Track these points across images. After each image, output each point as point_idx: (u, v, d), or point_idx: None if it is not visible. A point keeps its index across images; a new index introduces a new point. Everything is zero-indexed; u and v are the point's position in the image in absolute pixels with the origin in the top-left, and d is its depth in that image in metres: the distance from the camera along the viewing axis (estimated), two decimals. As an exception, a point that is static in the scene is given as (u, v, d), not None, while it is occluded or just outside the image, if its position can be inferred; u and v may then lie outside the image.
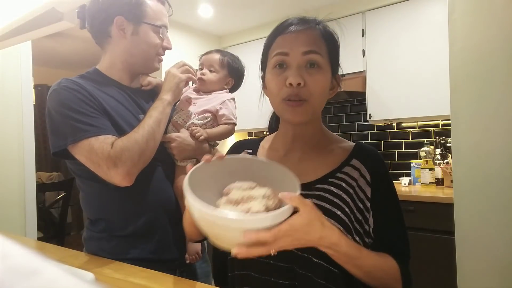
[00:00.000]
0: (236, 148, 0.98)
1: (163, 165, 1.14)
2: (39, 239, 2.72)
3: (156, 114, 1.06)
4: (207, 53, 1.31)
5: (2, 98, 2.23)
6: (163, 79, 1.19)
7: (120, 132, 1.04)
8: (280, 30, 0.80)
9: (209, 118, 1.21)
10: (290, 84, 0.75)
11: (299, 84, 0.74)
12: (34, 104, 2.41)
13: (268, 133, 1.03)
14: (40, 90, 4.66)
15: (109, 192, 1.06)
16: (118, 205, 1.08)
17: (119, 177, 0.97)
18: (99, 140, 0.97)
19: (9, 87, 2.26)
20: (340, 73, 0.88)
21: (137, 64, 1.15)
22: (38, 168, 3.27)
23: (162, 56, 1.19)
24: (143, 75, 1.22)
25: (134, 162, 0.98)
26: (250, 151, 0.95)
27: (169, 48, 1.19)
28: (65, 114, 0.99)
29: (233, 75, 1.31)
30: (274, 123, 1.01)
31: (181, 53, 1.30)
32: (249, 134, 3.85)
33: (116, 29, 1.09)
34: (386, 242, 0.77)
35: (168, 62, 1.26)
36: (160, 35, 1.13)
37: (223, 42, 3.70)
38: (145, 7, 1.10)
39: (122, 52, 1.13)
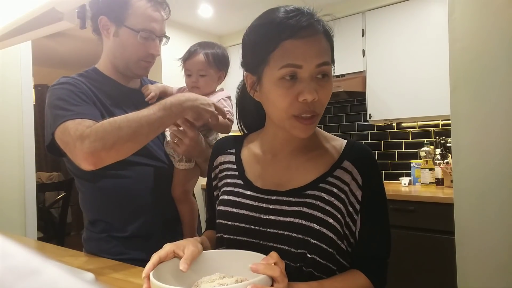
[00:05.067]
0: (219, 148, 0.93)
1: (161, 167, 1.14)
2: (39, 239, 2.72)
3: (165, 115, 0.94)
4: (189, 56, 1.20)
5: (2, 98, 2.23)
6: (163, 83, 1.16)
7: None
8: (287, 32, 0.69)
9: None
10: (304, 100, 0.70)
11: (314, 99, 0.70)
12: (34, 104, 2.41)
13: (242, 132, 0.97)
14: (40, 90, 4.66)
15: (108, 193, 1.06)
16: (116, 207, 1.09)
17: (81, 155, 0.88)
18: (76, 122, 0.92)
19: (9, 87, 2.26)
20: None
21: (120, 66, 1.12)
22: (38, 168, 3.27)
23: (148, 62, 1.13)
24: (146, 85, 1.20)
25: (105, 145, 0.87)
26: (233, 150, 0.90)
27: (156, 55, 1.12)
28: (54, 105, 0.99)
29: (221, 66, 1.22)
30: (254, 123, 0.93)
31: (181, 53, 1.28)
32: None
33: (101, 28, 1.09)
34: (366, 246, 0.77)
35: (168, 62, 1.24)
36: (139, 40, 1.07)
37: (223, 42, 3.70)
38: (129, 10, 1.05)
39: (109, 52, 1.13)
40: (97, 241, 1.11)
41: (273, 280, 0.61)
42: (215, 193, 0.92)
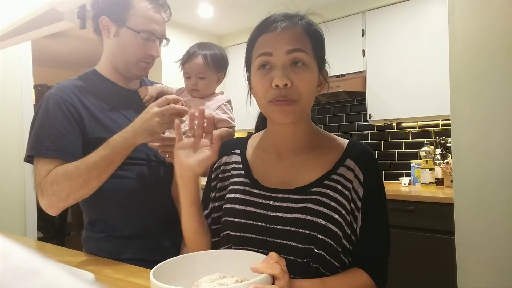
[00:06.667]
0: (223, 149, 0.93)
1: (161, 167, 1.14)
2: (39, 239, 2.73)
3: (109, 152, 0.96)
4: (188, 58, 1.20)
5: (2, 98, 2.23)
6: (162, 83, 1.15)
7: (112, 134, 1.02)
8: (262, 29, 0.78)
9: (205, 124, 1.17)
10: (277, 86, 0.73)
11: (285, 85, 0.73)
12: (34, 104, 2.41)
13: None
14: (40, 90, 4.66)
15: (107, 193, 1.06)
16: (116, 206, 1.09)
17: (44, 206, 0.99)
18: (40, 163, 0.99)
19: (9, 87, 2.26)
20: (326, 68, 0.84)
21: (120, 66, 1.12)
22: (38, 168, 3.27)
23: (147, 63, 1.13)
24: (143, 86, 1.20)
25: (60, 198, 0.96)
26: (238, 151, 0.92)
27: (155, 56, 1.13)
28: (38, 125, 1.02)
29: (220, 68, 1.23)
30: (261, 123, 0.98)
31: (181, 53, 1.27)
32: (250, 133, 3.85)
33: (102, 28, 1.09)
34: (367, 243, 0.78)
35: (168, 62, 1.24)
36: (139, 41, 1.07)
37: (223, 42, 3.70)
38: (130, 11, 1.05)
39: (109, 52, 1.13)
40: (97, 241, 1.11)
41: (274, 278, 0.61)
42: (212, 194, 0.91)
